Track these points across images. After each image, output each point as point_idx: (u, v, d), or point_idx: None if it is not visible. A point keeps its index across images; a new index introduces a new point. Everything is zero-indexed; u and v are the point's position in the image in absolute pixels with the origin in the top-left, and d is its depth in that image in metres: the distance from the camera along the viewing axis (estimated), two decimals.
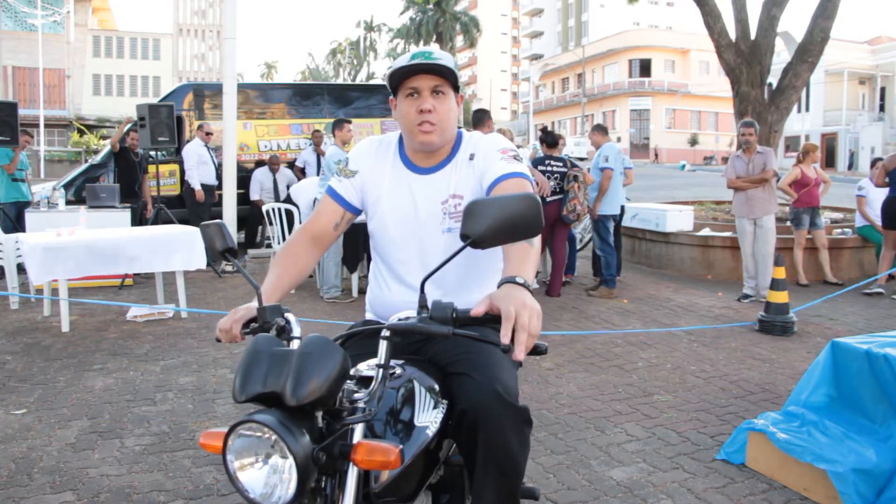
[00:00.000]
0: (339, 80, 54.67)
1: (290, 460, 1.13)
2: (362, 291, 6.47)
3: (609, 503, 2.70)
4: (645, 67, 51.00)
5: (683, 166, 36.06)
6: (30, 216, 7.24)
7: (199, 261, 5.72)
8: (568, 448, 3.21)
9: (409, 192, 1.77)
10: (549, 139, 6.87)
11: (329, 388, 1.19)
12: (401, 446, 1.22)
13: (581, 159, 18.71)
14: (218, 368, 4.40)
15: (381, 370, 1.37)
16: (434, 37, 47.78)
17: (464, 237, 1.29)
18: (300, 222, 7.13)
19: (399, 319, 1.42)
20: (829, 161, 34.78)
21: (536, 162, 6.75)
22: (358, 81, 48.85)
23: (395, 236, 1.79)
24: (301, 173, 9.20)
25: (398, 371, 1.51)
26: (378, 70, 63.55)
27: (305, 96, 10.61)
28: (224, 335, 1.55)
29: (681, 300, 6.60)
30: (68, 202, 7.83)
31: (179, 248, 5.65)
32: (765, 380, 4.21)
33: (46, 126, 31.34)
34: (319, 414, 1.26)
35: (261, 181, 9.34)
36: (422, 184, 1.76)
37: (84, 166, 9.99)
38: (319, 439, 1.21)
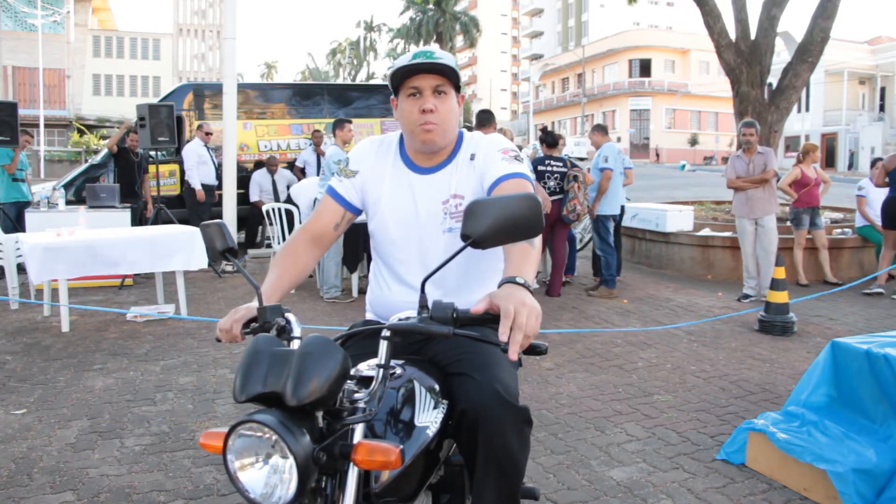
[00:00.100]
0: (339, 80, 54.68)
1: (291, 460, 1.13)
2: (362, 291, 6.47)
3: (609, 503, 2.70)
4: (645, 67, 51.01)
5: (683, 166, 36.06)
6: (30, 216, 7.24)
7: (199, 261, 5.72)
8: (568, 448, 3.21)
9: (410, 192, 1.76)
10: (549, 139, 6.87)
11: (329, 388, 1.19)
12: (401, 446, 1.22)
13: (581, 159, 18.73)
14: (218, 368, 4.40)
15: (381, 370, 1.37)
16: (434, 37, 47.79)
17: (464, 237, 1.30)
18: (300, 222, 7.14)
19: (399, 319, 1.42)
20: (829, 161, 34.79)
21: (536, 162, 6.76)
22: (358, 81, 48.85)
23: (395, 236, 1.78)
24: (301, 173, 9.20)
25: (398, 371, 1.51)
26: (378, 70, 63.58)
27: (305, 96, 10.61)
28: (224, 335, 1.55)
29: (681, 300, 6.60)
30: (68, 202, 7.84)
31: (179, 248, 5.66)
32: (765, 380, 4.21)
33: (46, 126, 31.35)
34: (320, 414, 1.26)
35: (260, 183, 9.35)
36: (423, 184, 1.76)
37: (84, 166, 9.99)
38: (320, 439, 1.21)
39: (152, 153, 8.49)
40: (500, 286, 1.33)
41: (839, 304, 6.40)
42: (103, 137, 30.16)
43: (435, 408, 1.49)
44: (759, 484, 2.85)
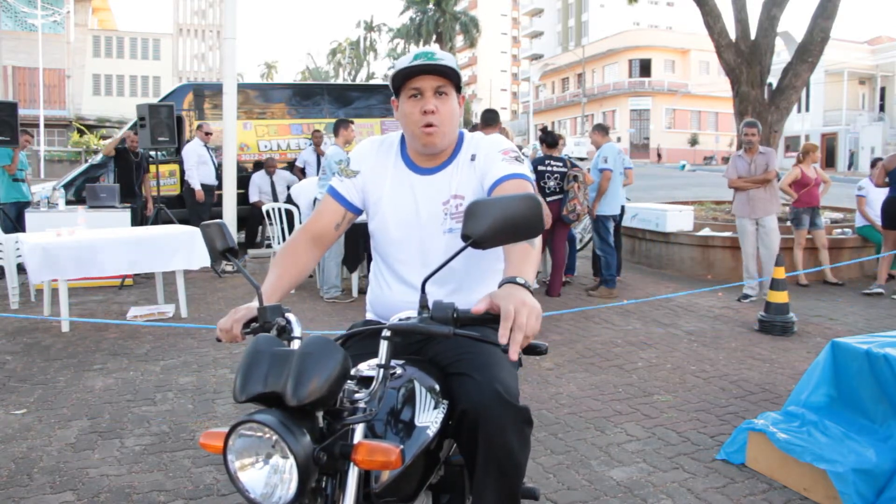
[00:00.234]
0: (339, 80, 54.69)
1: (291, 460, 1.13)
2: (362, 291, 6.47)
3: (609, 503, 2.70)
4: (645, 67, 51.01)
5: (683, 166, 36.06)
6: (30, 216, 7.24)
7: (200, 260, 5.72)
8: (568, 448, 3.21)
9: (411, 193, 1.77)
10: (549, 139, 6.87)
11: (330, 388, 1.19)
12: (401, 446, 1.22)
13: (581, 159, 18.72)
14: (218, 368, 4.40)
15: (381, 370, 1.37)
16: (434, 37, 47.80)
17: (465, 237, 1.30)
18: (300, 222, 7.14)
19: (400, 319, 1.42)
20: (829, 161, 34.80)
21: (536, 162, 6.75)
22: (358, 81, 48.86)
23: (396, 237, 1.78)
24: (301, 173, 9.20)
25: (399, 371, 1.51)
26: (378, 70, 63.60)
27: (305, 96, 10.61)
28: (225, 335, 1.55)
29: (681, 300, 6.60)
30: (68, 202, 7.84)
31: (179, 248, 5.66)
32: (765, 380, 4.21)
33: (46, 126, 31.35)
34: (320, 414, 1.26)
35: (259, 185, 9.36)
36: (423, 184, 1.76)
37: (84, 166, 9.99)
38: (320, 439, 1.21)
39: (152, 153, 8.50)
40: (500, 286, 1.33)
41: (839, 304, 6.40)
42: (103, 137, 30.19)
43: (435, 408, 1.49)
44: (759, 484, 2.85)
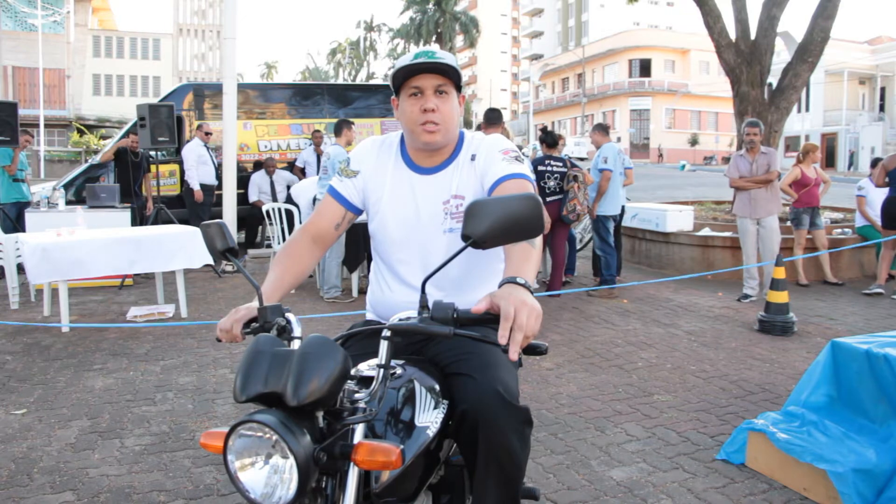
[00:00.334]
0: (339, 80, 54.69)
1: (291, 460, 1.13)
2: (362, 291, 6.47)
3: (609, 503, 2.70)
4: (645, 67, 51.00)
5: (683, 166, 36.05)
6: (30, 216, 7.24)
7: (200, 258, 5.72)
8: (568, 448, 3.21)
9: (411, 193, 1.76)
10: (549, 139, 6.87)
11: (330, 389, 1.19)
12: (401, 446, 1.23)
13: (581, 159, 18.74)
14: (218, 368, 4.40)
15: (381, 370, 1.37)
16: (434, 37, 47.80)
17: (465, 237, 1.30)
18: (300, 222, 7.14)
19: (400, 319, 1.42)
20: (829, 161, 34.80)
21: (536, 162, 6.76)
22: (358, 81, 48.85)
23: (396, 236, 1.78)
24: (301, 173, 9.20)
25: (399, 371, 1.51)
26: (378, 70, 63.63)
27: (305, 96, 10.61)
28: (225, 335, 1.55)
29: (681, 300, 6.60)
30: (68, 202, 7.84)
31: (179, 248, 5.66)
32: (765, 380, 4.21)
33: (46, 126, 31.34)
34: (320, 414, 1.26)
35: (258, 185, 9.36)
36: (424, 184, 1.76)
37: (84, 166, 9.98)
38: (320, 439, 1.21)
39: (152, 153, 8.49)
40: (500, 286, 1.33)
41: (839, 304, 6.40)
42: (103, 137, 30.19)
43: (435, 408, 1.49)
44: (759, 484, 2.85)
